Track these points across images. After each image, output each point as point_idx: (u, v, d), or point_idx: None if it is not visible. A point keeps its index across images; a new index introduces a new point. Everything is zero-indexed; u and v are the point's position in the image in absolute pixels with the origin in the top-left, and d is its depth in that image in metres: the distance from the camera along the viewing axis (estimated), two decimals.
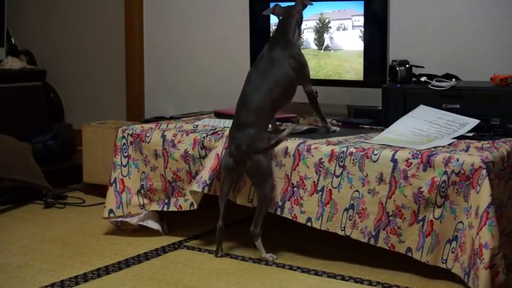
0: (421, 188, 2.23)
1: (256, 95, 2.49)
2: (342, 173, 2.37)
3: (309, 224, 2.44)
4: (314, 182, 2.42)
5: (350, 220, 2.36)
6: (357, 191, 2.34)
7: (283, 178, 2.48)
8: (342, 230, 2.38)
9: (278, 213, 2.51)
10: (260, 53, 2.62)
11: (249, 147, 2.43)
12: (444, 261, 2.22)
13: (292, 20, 2.65)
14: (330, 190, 2.39)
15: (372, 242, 2.33)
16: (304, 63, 2.64)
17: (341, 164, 2.37)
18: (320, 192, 2.41)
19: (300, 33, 2.72)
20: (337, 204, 2.38)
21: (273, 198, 2.49)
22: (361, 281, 2.31)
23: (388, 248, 2.31)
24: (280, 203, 2.49)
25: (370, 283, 2.29)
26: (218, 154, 2.56)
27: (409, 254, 2.28)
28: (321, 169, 2.40)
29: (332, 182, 2.39)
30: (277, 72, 2.53)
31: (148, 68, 4.04)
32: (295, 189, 2.46)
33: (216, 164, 2.55)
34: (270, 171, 2.47)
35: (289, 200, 2.48)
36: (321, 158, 2.40)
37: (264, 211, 2.47)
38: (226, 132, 2.61)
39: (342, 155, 2.37)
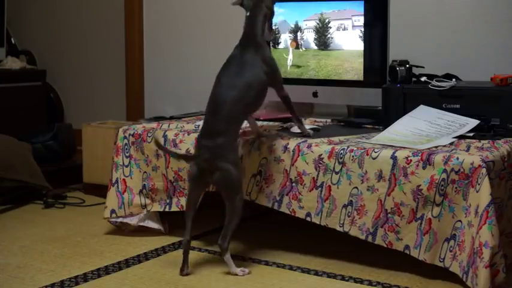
0: (420, 185, 2.23)
1: (228, 100, 2.34)
2: (341, 169, 2.37)
3: (308, 219, 2.44)
4: (313, 178, 2.42)
5: (348, 217, 2.36)
6: (356, 187, 2.34)
7: (281, 173, 2.48)
8: (340, 226, 2.38)
9: (275, 207, 2.49)
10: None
11: (218, 157, 2.29)
12: (442, 260, 2.22)
13: (259, 16, 2.48)
14: (329, 186, 2.39)
15: (370, 239, 2.33)
16: (276, 68, 2.52)
17: (340, 160, 2.37)
18: (319, 188, 2.41)
19: (270, 29, 2.54)
20: (336, 200, 2.38)
21: (241, 210, 2.34)
22: (361, 281, 2.31)
23: (385, 246, 2.31)
24: (278, 198, 2.48)
25: (370, 283, 2.29)
26: None
27: (406, 251, 2.28)
28: (320, 165, 2.40)
29: (331, 178, 2.39)
30: (249, 77, 2.40)
31: (148, 68, 4.05)
32: (293, 184, 2.46)
33: None
34: (240, 182, 2.35)
35: (287, 194, 2.47)
36: (321, 155, 2.41)
37: (233, 224, 2.34)
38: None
39: (342, 151, 2.37)
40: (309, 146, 2.44)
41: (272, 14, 2.53)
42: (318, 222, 2.43)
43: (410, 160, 2.25)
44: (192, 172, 2.37)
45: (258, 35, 2.47)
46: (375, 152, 2.32)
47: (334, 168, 2.38)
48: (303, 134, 2.58)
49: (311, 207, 2.43)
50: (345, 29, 3.02)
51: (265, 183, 2.51)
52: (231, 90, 2.36)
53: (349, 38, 3.01)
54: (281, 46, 3.18)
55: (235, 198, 2.32)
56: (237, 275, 2.34)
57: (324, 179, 2.40)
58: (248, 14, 2.51)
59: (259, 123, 2.84)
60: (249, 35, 2.48)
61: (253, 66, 2.42)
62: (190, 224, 2.39)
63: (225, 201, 2.35)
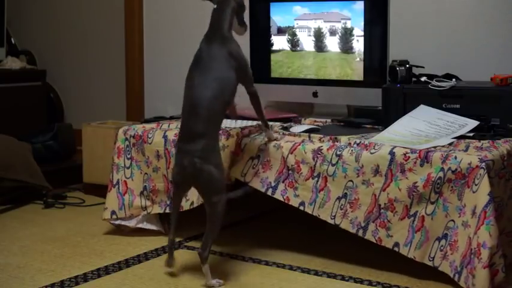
0: (416, 182, 2.23)
1: (205, 100, 2.24)
2: (337, 161, 2.37)
3: (301, 208, 2.44)
4: (311, 167, 2.42)
5: (341, 209, 2.36)
6: (351, 180, 2.35)
7: (279, 159, 2.48)
8: (331, 219, 2.38)
9: (269, 193, 2.49)
10: (197, 51, 2.37)
11: (200, 159, 2.21)
12: (431, 259, 2.23)
13: (227, 9, 2.36)
14: (326, 177, 2.39)
15: (361, 233, 2.33)
16: (245, 62, 2.40)
17: (338, 153, 2.37)
18: (316, 178, 2.41)
19: (242, 24, 2.45)
20: (331, 192, 2.38)
21: (222, 215, 2.25)
22: (361, 281, 2.31)
23: (375, 242, 2.31)
24: (273, 184, 2.48)
25: (370, 283, 2.29)
26: (232, 151, 2.57)
27: (396, 249, 2.28)
28: (318, 155, 2.40)
29: (327, 169, 2.39)
30: (220, 73, 2.29)
31: (148, 68, 4.05)
32: (290, 172, 2.46)
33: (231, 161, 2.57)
34: (222, 185, 2.25)
35: (283, 182, 2.47)
36: (320, 146, 2.41)
37: (214, 231, 2.25)
38: (232, 132, 2.60)
39: (342, 146, 2.39)
40: (311, 139, 2.45)
41: (242, 8, 2.44)
42: (310, 212, 2.42)
43: (408, 157, 2.26)
44: (176, 178, 2.31)
45: (224, 28, 2.35)
46: (374, 148, 2.33)
47: (331, 160, 2.38)
48: (270, 139, 2.51)
49: (306, 196, 2.43)
50: (344, 29, 3.02)
51: (262, 167, 2.51)
52: (206, 90, 2.25)
53: (348, 38, 3.01)
54: (277, 47, 3.19)
55: (218, 203, 2.23)
56: (213, 287, 2.25)
57: (320, 169, 2.40)
58: (215, 7, 2.40)
59: (259, 123, 2.85)
60: (214, 28, 2.37)
61: (221, 61, 2.31)
62: (175, 224, 2.35)
63: (205, 205, 2.28)
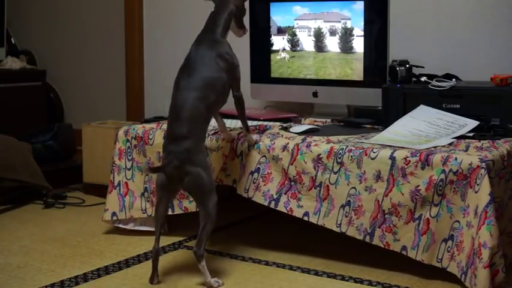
0: (418, 186, 2.23)
1: (188, 102, 2.25)
2: (339, 169, 2.37)
3: (305, 218, 2.43)
4: (312, 177, 2.42)
5: (346, 217, 2.36)
6: (354, 187, 2.34)
7: (279, 172, 2.47)
8: (337, 227, 2.38)
9: (272, 206, 2.48)
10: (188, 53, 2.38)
11: (186, 162, 2.21)
12: (439, 260, 2.22)
13: (223, 14, 2.38)
14: (328, 186, 2.39)
15: (368, 239, 2.33)
16: (235, 64, 2.38)
17: (339, 160, 2.37)
18: (318, 188, 2.41)
19: (241, 27, 2.47)
20: (334, 200, 2.38)
21: (215, 215, 2.24)
22: (361, 281, 2.31)
23: (383, 246, 2.31)
24: (275, 196, 2.48)
25: (370, 283, 2.29)
26: (225, 155, 2.56)
27: (404, 252, 2.28)
28: (319, 165, 2.40)
29: (330, 178, 2.39)
30: (205, 75, 2.29)
31: (148, 68, 4.04)
32: (292, 183, 2.46)
33: (223, 163, 2.56)
34: (212, 185, 2.25)
35: (285, 193, 2.47)
36: (319, 154, 2.40)
37: (208, 230, 2.23)
38: (233, 132, 2.60)
39: (340, 151, 2.37)
40: (308, 146, 2.44)
41: (242, 11, 2.45)
42: (315, 222, 2.42)
43: (409, 161, 2.25)
44: (160, 180, 2.27)
45: (216, 32, 2.37)
46: (374, 152, 2.32)
47: (332, 168, 2.38)
48: (250, 143, 2.52)
49: (310, 206, 2.43)
50: (344, 29, 3.02)
51: (263, 181, 2.50)
52: (190, 92, 2.27)
53: (348, 38, 3.00)
54: (277, 47, 3.18)
55: (209, 203, 2.23)
56: (211, 286, 2.25)
57: (322, 178, 2.40)
58: (213, 9, 2.41)
59: (259, 123, 2.85)
60: (206, 31, 2.38)
61: (209, 63, 2.31)
62: (159, 232, 2.32)
63: (198, 207, 2.28)
